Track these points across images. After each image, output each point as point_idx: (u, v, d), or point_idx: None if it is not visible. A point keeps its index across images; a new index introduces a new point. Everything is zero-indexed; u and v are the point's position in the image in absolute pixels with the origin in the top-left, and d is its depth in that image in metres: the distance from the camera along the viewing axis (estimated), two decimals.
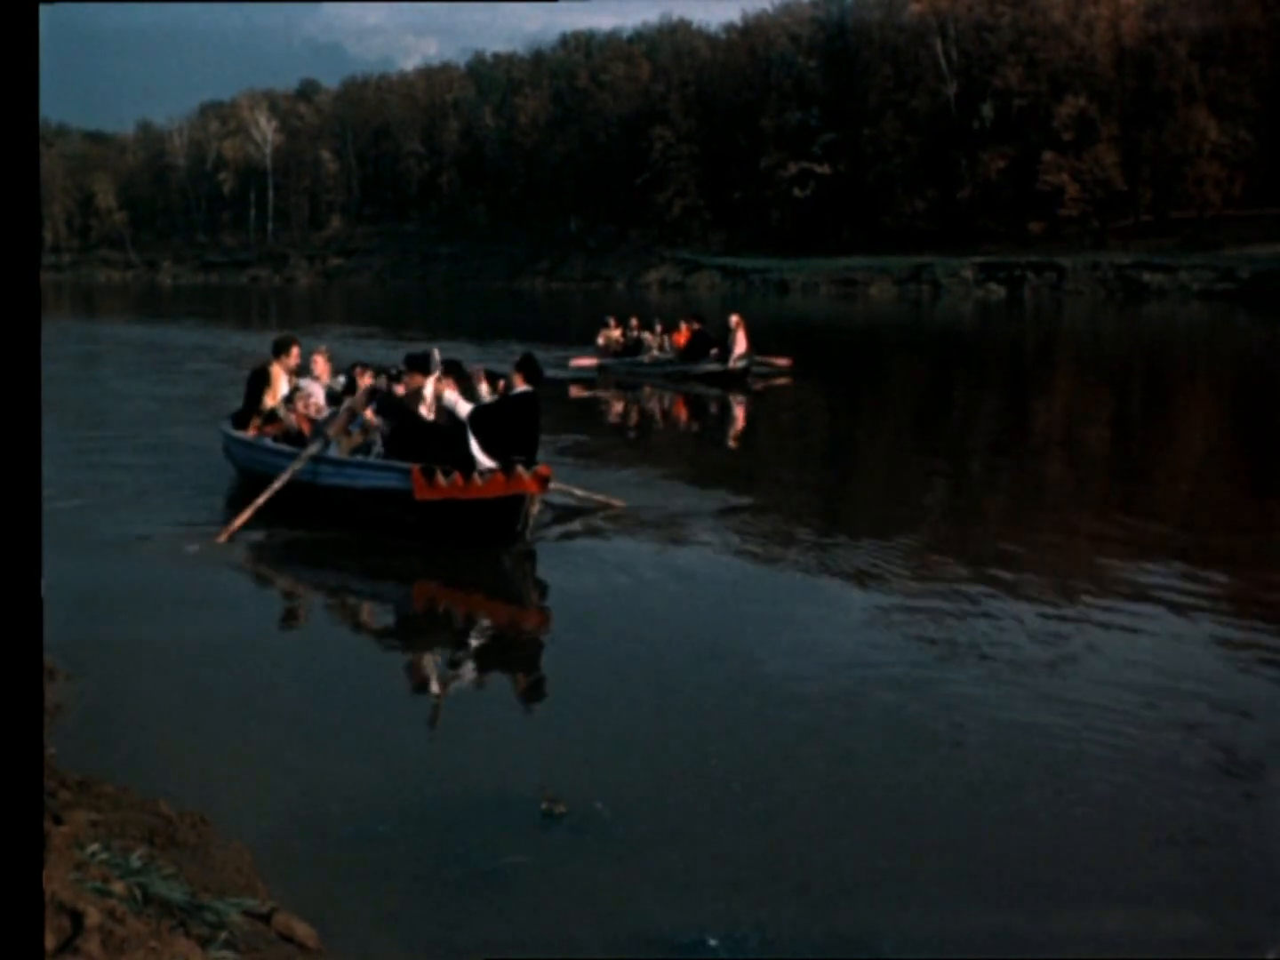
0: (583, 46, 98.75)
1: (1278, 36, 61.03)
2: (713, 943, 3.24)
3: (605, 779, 4.27)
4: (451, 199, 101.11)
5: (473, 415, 7.85)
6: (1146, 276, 57.54)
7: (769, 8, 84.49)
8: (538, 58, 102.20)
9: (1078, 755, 4.54)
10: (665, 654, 5.67)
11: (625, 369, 19.42)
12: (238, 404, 10.03)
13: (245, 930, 2.85)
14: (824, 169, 75.30)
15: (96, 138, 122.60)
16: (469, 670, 5.83)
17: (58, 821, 3.16)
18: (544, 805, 3.98)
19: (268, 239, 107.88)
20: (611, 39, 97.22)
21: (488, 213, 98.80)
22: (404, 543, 7.54)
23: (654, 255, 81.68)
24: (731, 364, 18.20)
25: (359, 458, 8.06)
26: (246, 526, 7.69)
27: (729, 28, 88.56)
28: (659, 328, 20.07)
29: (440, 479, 7.30)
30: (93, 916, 2.48)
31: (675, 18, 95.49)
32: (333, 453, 8.17)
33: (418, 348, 9.39)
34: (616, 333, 20.70)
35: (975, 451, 13.26)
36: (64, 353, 23.56)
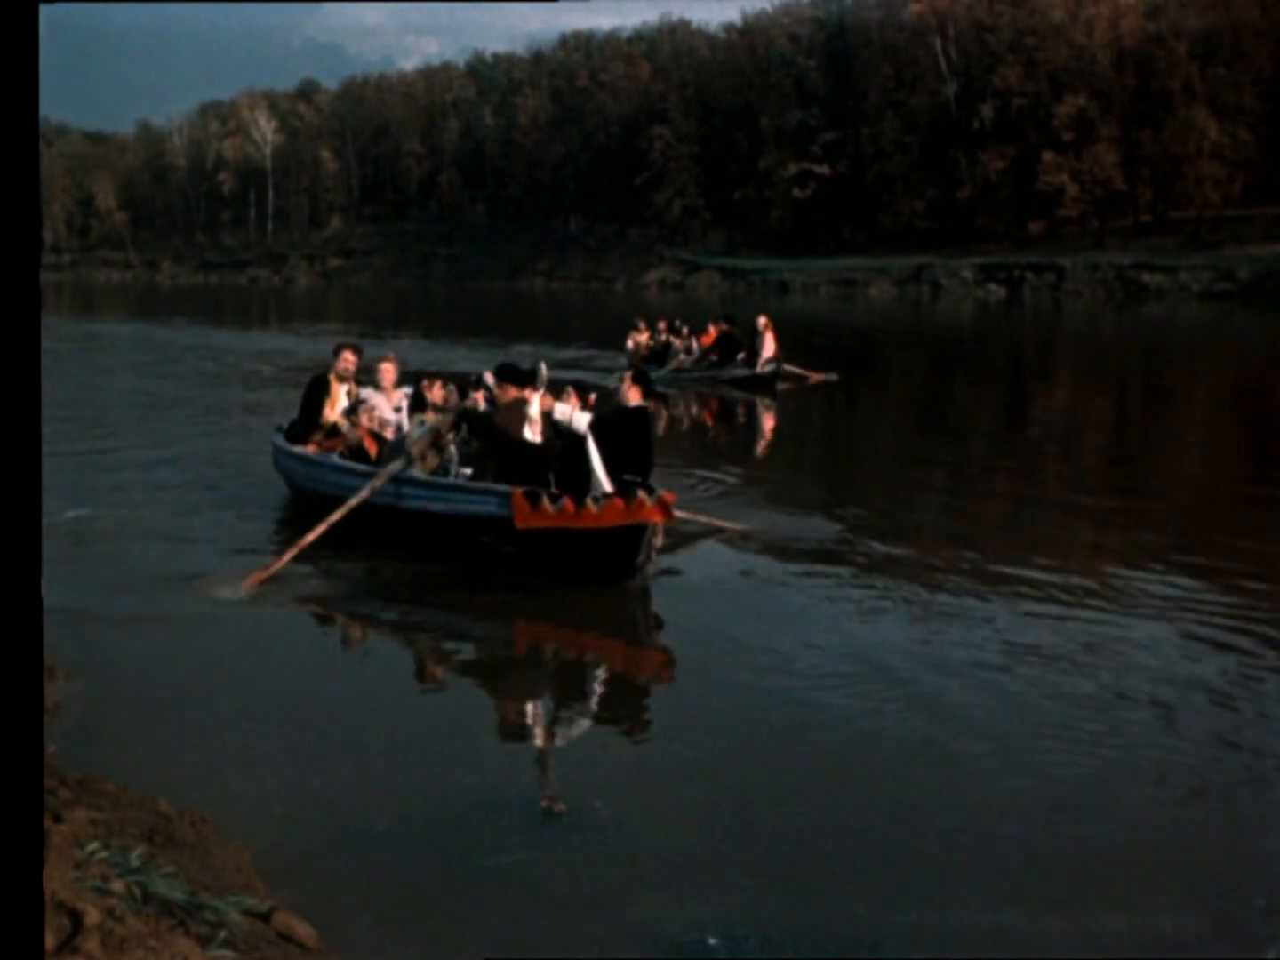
0: (582, 46, 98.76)
1: (1278, 36, 60.99)
2: (713, 942, 3.24)
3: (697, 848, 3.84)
4: (451, 199, 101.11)
5: (593, 427, 7.03)
6: (1146, 277, 57.52)
7: (768, 7, 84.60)
8: (537, 57, 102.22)
9: (1078, 756, 4.54)
10: (789, 719, 4.95)
11: (659, 378, 18.70)
12: (263, 410, 9.69)
13: (245, 929, 2.85)
14: (824, 169, 75.29)
15: (96, 138, 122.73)
16: (565, 712, 5.32)
17: (57, 820, 3.16)
18: (544, 804, 3.98)
19: (267, 239, 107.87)
20: (611, 39, 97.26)
21: (487, 212, 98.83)
22: (497, 572, 6.85)
23: (653, 255, 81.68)
24: (760, 368, 17.84)
25: (451, 479, 7.38)
26: (316, 551, 7.00)
27: (728, 27, 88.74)
28: (685, 330, 19.73)
29: (547, 505, 6.60)
30: (92, 915, 2.48)
31: (675, 18, 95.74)
32: (413, 473, 7.45)
33: (508, 356, 9.05)
34: (644, 336, 20.37)
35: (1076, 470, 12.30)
36: (77, 354, 23.56)
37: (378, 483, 7.30)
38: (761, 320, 18.57)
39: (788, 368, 18.38)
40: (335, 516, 7.06)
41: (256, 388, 19.45)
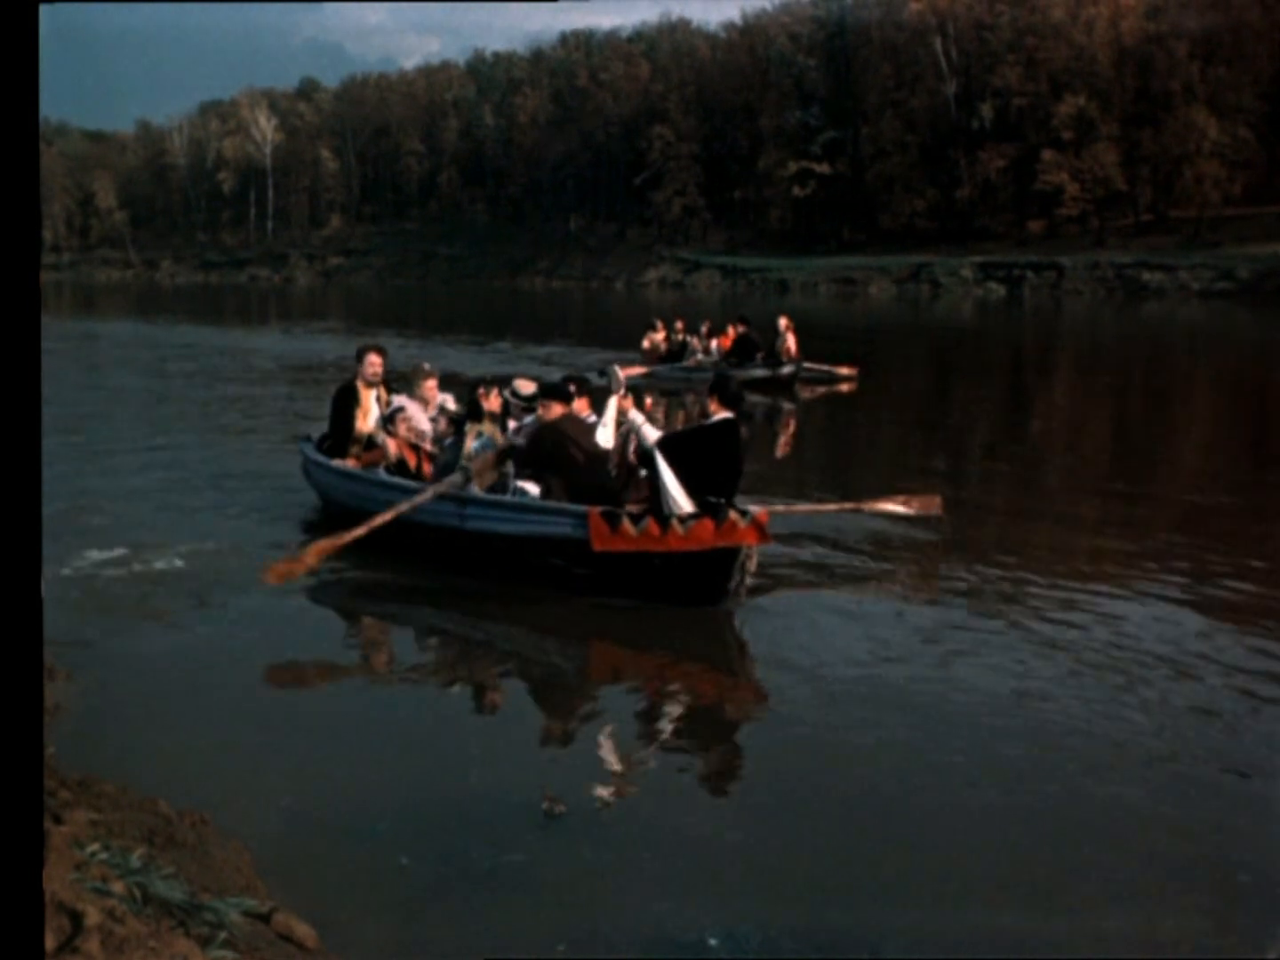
0: (582, 46, 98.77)
1: (1277, 36, 61.03)
2: (713, 942, 3.24)
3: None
4: (451, 198, 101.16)
5: (664, 444, 6.49)
6: (1146, 276, 57.58)
7: (768, 7, 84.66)
8: (537, 57, 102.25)
9: (1077, 755, 4.54)
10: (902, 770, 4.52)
11: (676, 375, 18.23)
12: (268, 412, 9.39)
13: (245, 930, 2.84)
14: (823, 168, 75.32)
15: (96, 137, 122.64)
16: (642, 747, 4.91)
17: (57, 821, 3.16)
18: (545, 805, 3.98)
19: (267, 238, 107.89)
20: (611, 38, 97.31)
21: (487, 212, 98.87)
22: (560, 593, 6.46)
23: (653, 254, 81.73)
24: (781, 370, 17.48)
25: (521, 498, 6.88)
26: (349, 560, 6.73)
27: (728, 27, 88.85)
28: (704, 330, 19.34)
29: (628, 527, 6.22)
30: (92, 916, 2.48)
31: (675, 17, 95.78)
32: (474, 491, 7.01)
33: (514, 359, 8.81)
34: (661, 336, 20.04)
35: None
36: (88, 354, 23.56)
37: (427, 495, 6.86)
38: (783, 321, 18.24)
39: (813, 366, 17.98)
40: (378, 521, 6.61)
41: (266, 388, 19.46)
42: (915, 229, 71.09)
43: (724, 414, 6.55)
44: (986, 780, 4.37)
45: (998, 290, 60.60)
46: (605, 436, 7.04)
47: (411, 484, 7.39)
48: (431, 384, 8.68)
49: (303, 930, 2.99)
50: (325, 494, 8.42)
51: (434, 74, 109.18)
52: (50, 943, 2.36)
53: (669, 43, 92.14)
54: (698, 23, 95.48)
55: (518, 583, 6.61)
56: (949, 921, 3.39)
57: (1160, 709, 4.99)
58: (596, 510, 6.35)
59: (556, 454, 6.84)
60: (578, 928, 3.32)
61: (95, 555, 7.25)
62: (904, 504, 7.75)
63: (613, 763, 4.71)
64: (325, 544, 6.44)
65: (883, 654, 5.77)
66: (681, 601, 6.22)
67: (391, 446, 8.00)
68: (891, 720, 4.91)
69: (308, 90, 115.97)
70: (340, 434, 8.40)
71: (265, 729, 4.75)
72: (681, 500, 6.31)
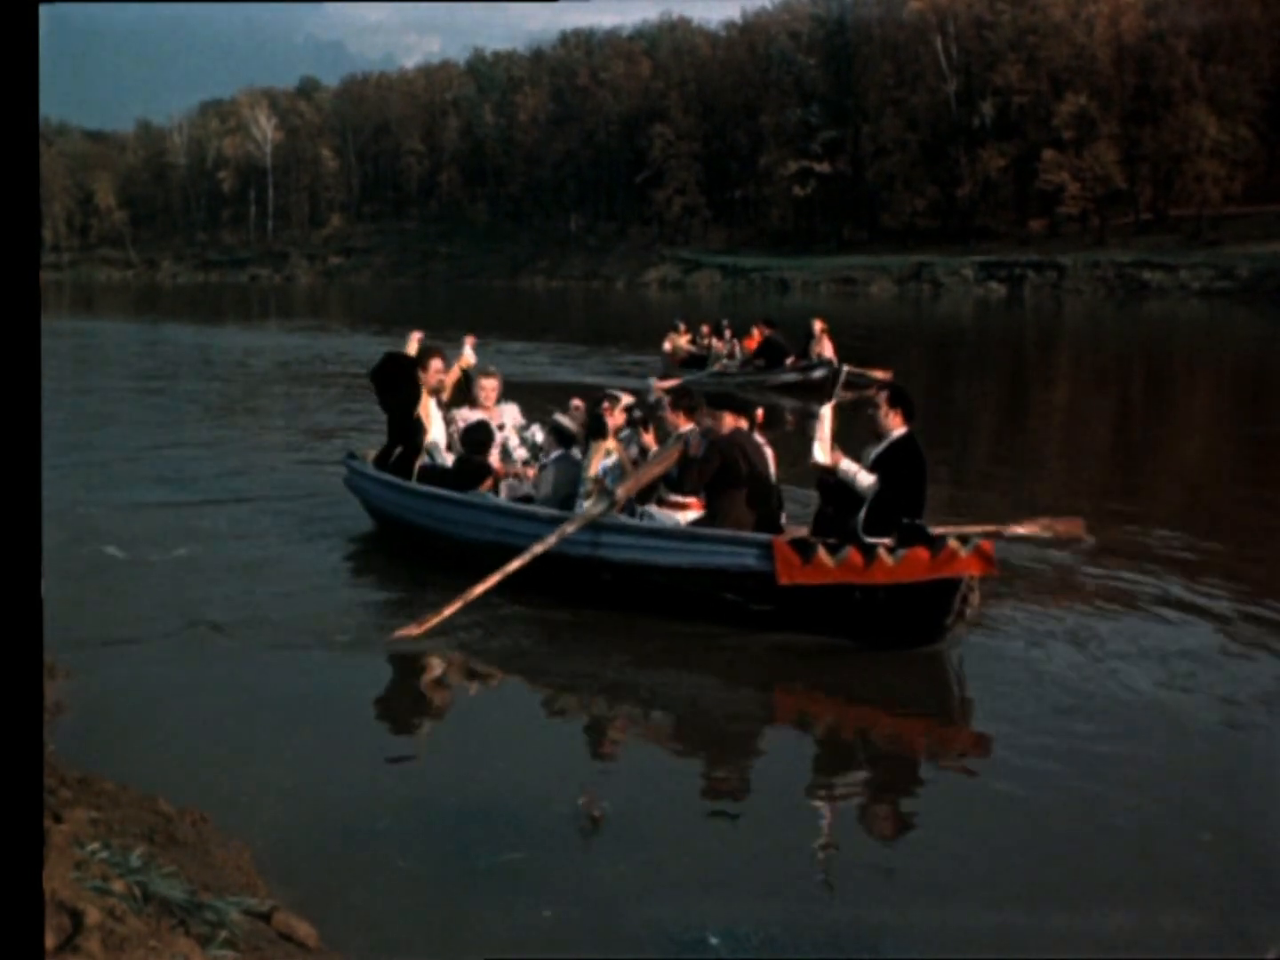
0: (583, 44, 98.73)
1: (1277, 34, 61.02)
2: (713, 942, 3.24)
3: None
4: (451, 197, 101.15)
5: (879, 463, 5.84)
6: (1147, 274, 57.55)
7: (769, 5, 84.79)
8: (538, 56, 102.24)
9: (1076, 754, 4.54)
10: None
11: (707, 383, 16.96)
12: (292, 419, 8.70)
13: (245, 929, 2.85)
14: (824, 167, 75.32)
15: (96, 137, 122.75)
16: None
17: (58, 819, 3.16)
18: (582, 804, 3.97)
19: (268, 237, 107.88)
20: (611, 37, 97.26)
21: (488, 211, 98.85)
22: (731, 632, 5.81)
23: (654, 254, 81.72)
24: (813, 373, 16.38)
25: (680, 525, 6.24)
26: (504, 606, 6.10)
27: (729, 25, 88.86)
28: (728, 333, 18.73)
29: (824, 557, 5.54)
30: (93, 915, 2.48)
31: (675, 15, 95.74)
32: (620, 518, 6.37)
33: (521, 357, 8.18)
34: (685, 339, 19.41)
35: None
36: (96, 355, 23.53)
37: (575, 526, 6.15)
38: (817, 324, 17.47)
39: (850, 369, 17.26)
40: (514, 566, 5.97)
41: (266, 388, 19.46)
42: (916, 228, 71.10)
43: (903, 429, 5.92)
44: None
45: (998, 290, 60.59)
46: (820, 453, 6.05)
47: (543, 511, 6.60)
48: (491, 386, 7.86)
49: (303, 929, 2.99)
50: (401, 520, 7.37)
51: (434, 73, 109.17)
52: (50, 941, 2.36)
53: (669, 41, 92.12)
54: (698, 21, 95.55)
55: (660, 618, 5.94)
56: (949, 921, 3.40)
57: (1160, 707, 4.97)
58: (783, 539, 5.73)
59: (733, 473, 6.15)
60: (578, 927, 3.32)
61: (96, 555, 7.26)
62: (1046, 528, 6.86)
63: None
64: (457, 603, 5.76)
65: (1122, 695, 5.14)
66: (890, 640, 5.56)
67: (444, 461, 7.32)
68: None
69: (308, 89, 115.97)
70: (407, 448, 7.45)
71: (266, 728, 4.75)
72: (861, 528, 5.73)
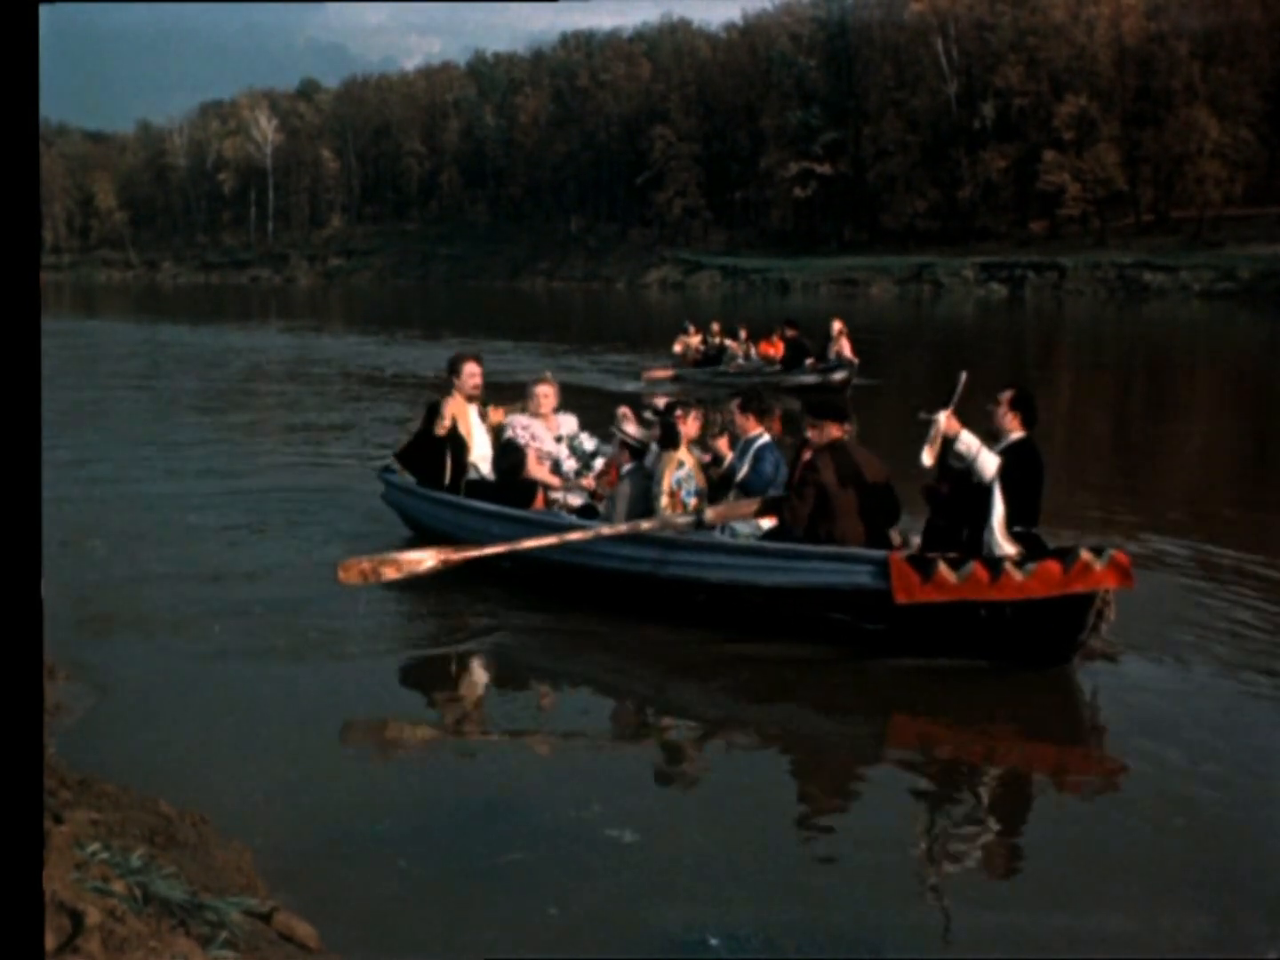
0: (583, 46, 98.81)
1: (1278, 36, 61.04)
2: (713, 942, 3.24)
3: None
4: (452, 199, 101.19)
5: (1006, 466, 5.40)
6: (1147, 276, 57.55)
7: (769, 7, 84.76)
8: (538, 57, 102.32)
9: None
10: None
11: (705, 379, 17.33)
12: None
13: (245, 930, 2.85)
14: (825, 168, 75.35)
15: (96, 138, 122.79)
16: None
17: (58, 821, 3.16)
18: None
19: (268, 239, 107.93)
20: (612, 38, 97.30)
21: (488, 212, 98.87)
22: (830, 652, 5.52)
23: (654, 255, 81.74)
24: (833, 375, 16.26)
25: (782, 544, 5.80)
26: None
27: (729, 27, 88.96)
28: (743, 334, 18.59)
29: (946, 573, 5.20)
30: (93, 916, 2.48)
31: (676, 17, 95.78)
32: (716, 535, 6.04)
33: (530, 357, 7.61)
34: (696, 340, 19.14)
35: None
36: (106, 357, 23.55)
37: (646, 525, 5.84)
38: (836, 325, 17.21)
39: (857, 380, 16.67)
40: (530, 544, 5.70)
41: (267, 387, 19.46)
42: (916, 229, 71.12)
43: (1021, 432, 5.54)
44: None
45: (999, 291, 60.59)
46: (928, 456, 5.54)
47: (667, 532, 6.03)
48: (545, 394, 7.40)
49: (304, 930, 2.99)
50: (467, 538, 6.73)
51: (435, 74, 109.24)
52: (51, 942, 2.36)
53: (670, 43, 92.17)
54: (699, 23, 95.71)
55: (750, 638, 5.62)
56: (950, 921, 3.39)
57: (1160, 706, 4.96)
58: (899, 555, 5.41)
59: (833, 490, 5.74)
60: (578, 927, 3.32)
61: (96, 555, 7.26)
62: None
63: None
64: (441, 553, 5.50)
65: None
66: (1018, 659, 5.26)
67: (540, 473, 6.94)
68: None
69: (308, 91, 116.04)
70: (457, 461, 7.11)
71: (266, 730, 4.75)
72: (1002, 541, 5.33)
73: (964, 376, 5.55)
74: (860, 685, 5.32)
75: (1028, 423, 5.56)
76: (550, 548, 5.97)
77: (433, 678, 5.64)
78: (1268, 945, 3.29)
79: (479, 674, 5.76)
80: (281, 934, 2.94)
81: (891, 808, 4.21)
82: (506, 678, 5.72)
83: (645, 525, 5.87)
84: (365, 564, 5.58)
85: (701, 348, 18.95)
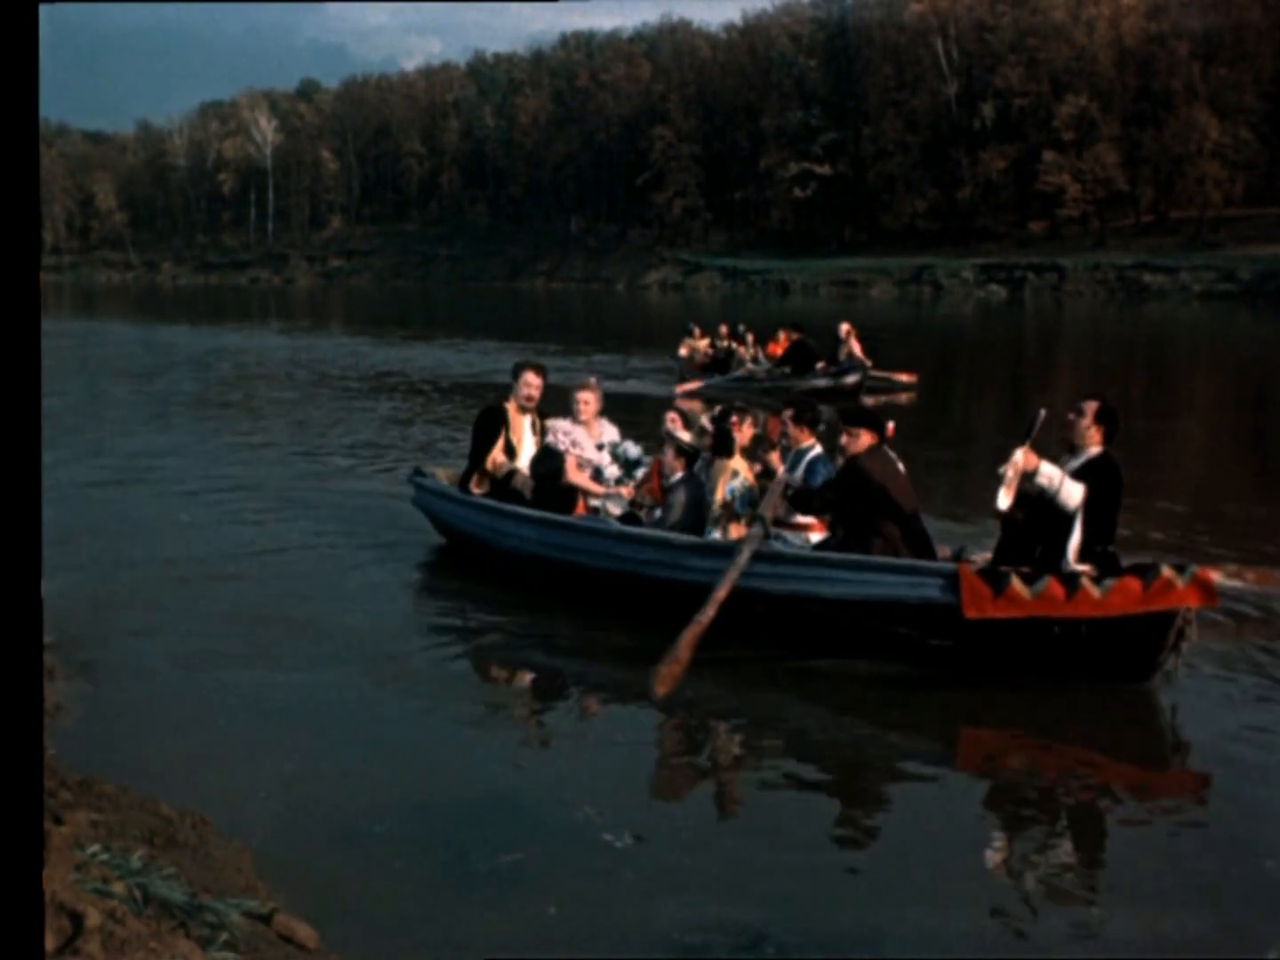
0: (583, 46, 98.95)
1: (1278, 35, 61.08)
2: (713, 942, 3.24)
3: None
4: (452, 199, 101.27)
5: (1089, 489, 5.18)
6: (1147, 277, 57.62)
7: (769, 7, 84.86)
8: (538, 58, 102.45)
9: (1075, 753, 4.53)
10: None
11: (735, 386, 16.52)
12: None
13: (246, 931, 2.85)
14: (824, 169, 75.43)
15: (96, 138, 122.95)
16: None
17: (58, 822, 3.16)
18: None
19: (268, 239, 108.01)
20: (612, 39, 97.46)
21: (488, 213, 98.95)
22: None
23: (654, 256, 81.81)
24: (845, 379, 15.83)
25: (847, 555, 5.56)
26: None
27: (729, 27, 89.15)
28: (751, 338, 18.26)
29: (1019, 588, 5.00)
30: (93, 917, 2.48)
31: (676, 18, 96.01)
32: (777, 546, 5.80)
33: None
34: (703, 343, 18.80)
35: None
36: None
37: (745, 556, 5.46)
38: (844, 326, 16.87)
39: (875, 373, 16.37)
40: (721, 594, 5.22)
41: (268, 387, 19.46)
42: (916, 230, 71.19)
43: (1100, 447, 5.29)
44: None
45: (999, 292, 60.63)
46: (1004, 498, 5.19)
47: (675, 538, 5.97)
48: (587, 400, 7.26)
49: (304, 931, 2.99)
50: (529, 553, 6.57)
51: (435, 75, 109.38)
52: (51, 943, 2.36)
53: (670, 43, 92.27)
54: (698, 23, 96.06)
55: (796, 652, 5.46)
56: (950, 921, 3.39)
57: (1160, 706, 4.96)
58: (970, 568, 5.18)
59: (883, 496, 5.57)
60: (578, 927, 3.32)
61: (96, 556, 7.26)
62: (1235, 576, 5.81)
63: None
64: (691, 634, 5.05)
65: None
66: (1095, 678, 5.10)
67: (579, 478, 6.84)
68: None
69: (308, 91, 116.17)
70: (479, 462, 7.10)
71: (266, 731, 4.75)
72: (1074, 562, 5.17)
73: (1042, 414, 5.26)
74: (914, 696, 5.14)
75: (1109, 437, 5.32)
76: (700, 570, 5.61)
77: (433, 678, 5.63)
78: (1267, 945, 3.29)
79: (484, 674, 5.76)
80: (281, 935, 2.94)
81: (946, 815, 4.10)
82: (510, 678, 5.73)
83: (745, 552, 5.46)
84: (666, 669, 4.92)
85: (710, 351, 18.64)
